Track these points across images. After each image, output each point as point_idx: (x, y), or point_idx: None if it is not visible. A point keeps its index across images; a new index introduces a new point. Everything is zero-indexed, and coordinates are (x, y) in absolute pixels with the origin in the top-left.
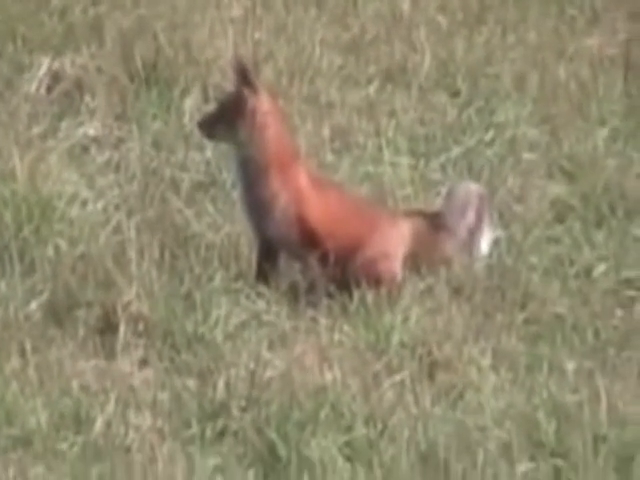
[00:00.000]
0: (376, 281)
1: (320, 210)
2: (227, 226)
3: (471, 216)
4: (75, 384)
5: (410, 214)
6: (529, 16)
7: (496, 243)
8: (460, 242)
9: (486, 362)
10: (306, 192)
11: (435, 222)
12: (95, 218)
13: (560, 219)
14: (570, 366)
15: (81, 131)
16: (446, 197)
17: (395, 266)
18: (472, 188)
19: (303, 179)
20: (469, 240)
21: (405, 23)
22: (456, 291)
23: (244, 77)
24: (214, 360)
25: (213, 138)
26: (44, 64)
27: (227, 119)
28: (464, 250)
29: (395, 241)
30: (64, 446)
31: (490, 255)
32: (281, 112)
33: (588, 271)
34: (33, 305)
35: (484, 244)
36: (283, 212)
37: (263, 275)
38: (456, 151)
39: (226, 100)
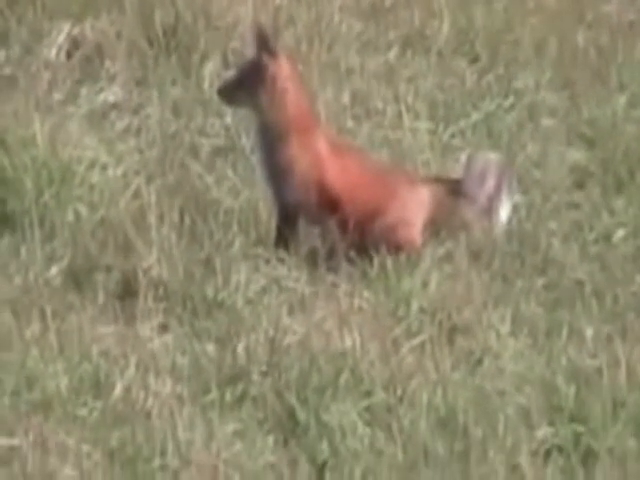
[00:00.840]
0: (395, 247)
1: (339, 175)
2: (247, 191)
3: (490, 185)
4: (95, 349)
5: (430, 180)
6: None
7: (515, 209)
8: (479, 210)
9: (505, 327)
10: (325, 157)
11: (454, 189)
12: (115, 183)
13: (579, 185)
14: (589, 331)
15: (101, 97)
16: (466, 165)
17: (414, 233)
18: (492, 157)
19: (322, 144)
20: (488, 208)
21: None
22: (475, 256)
23: (264, 43)
24: (234, 325)
25: (233, 104)
26: (64, 30)
27: (247, 85)
28: (483, 218)
29: (415, 207)
30: (84, 411)
31: (509, 221)
32: (300, 78)
33: (607, 237)
34: (53, 270)
35: (503, 212)
36: (302, 177)
37: (283, 241)
38: (475, 117)
39: (246, 66)
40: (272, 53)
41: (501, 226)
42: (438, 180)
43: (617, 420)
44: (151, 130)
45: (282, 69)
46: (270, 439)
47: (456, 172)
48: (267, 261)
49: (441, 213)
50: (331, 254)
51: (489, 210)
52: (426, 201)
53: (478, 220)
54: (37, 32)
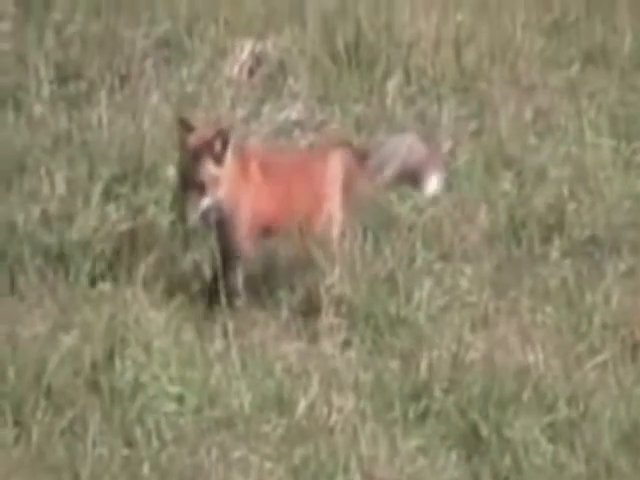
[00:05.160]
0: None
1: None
2: (430, 207)
3: (392, 167)
4: (278, 366)
5: (341, 145)
6: None
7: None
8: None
9: None
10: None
11: (364, 161)
12: None
13: None
14: None
15: (284, 114)
16: (377, 147)
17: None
18: (401, 143)
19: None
20: (407, 182)
21: (606, 4)
22: None
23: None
24: (416, 341)
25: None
26: (246, 47)
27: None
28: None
29: (331, 184)
30: (267, 428)
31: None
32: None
33: None
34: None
35: (429, 186)
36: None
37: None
38: None
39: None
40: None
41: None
42: (348, 145)
43: None
44: None
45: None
46: (453, 455)
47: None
48: (451, 276)
49: (350, 179)
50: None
51: (409, 184)
52: (339, 171)
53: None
54: (220, 49)
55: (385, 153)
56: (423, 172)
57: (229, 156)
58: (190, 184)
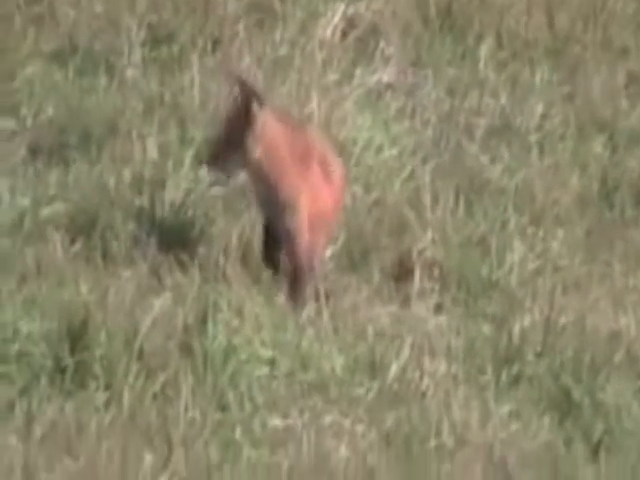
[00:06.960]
0: None
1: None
2: (522, 171)
3: None
4: (370, 330)
5: None
6: None
7: None
8: None
9: None
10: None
11: None
12: (390, 164)
13: None
14: None
15: (375, 77)
16: None
17: None
18: None
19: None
20: None
21: None
22: None
23: (251, 94)
24: (508, 306)
25: (226, 171)
26: (339, 10)
27: (236, 140)
28: None
29: None
30: (359, 392)
31: None
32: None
33: None
34: (328, 252)
35: None
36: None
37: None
38: None
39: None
40: (260, 103)
41: None
42: None
43: None
44: (426, 111)
45: (270, 118)
46: (545, 419)
47: None
48: (542, 240)
49: None
50: None
51: None
52: None
53: None
54: (312, 12)
55: None
56: None
57: None
58: None
